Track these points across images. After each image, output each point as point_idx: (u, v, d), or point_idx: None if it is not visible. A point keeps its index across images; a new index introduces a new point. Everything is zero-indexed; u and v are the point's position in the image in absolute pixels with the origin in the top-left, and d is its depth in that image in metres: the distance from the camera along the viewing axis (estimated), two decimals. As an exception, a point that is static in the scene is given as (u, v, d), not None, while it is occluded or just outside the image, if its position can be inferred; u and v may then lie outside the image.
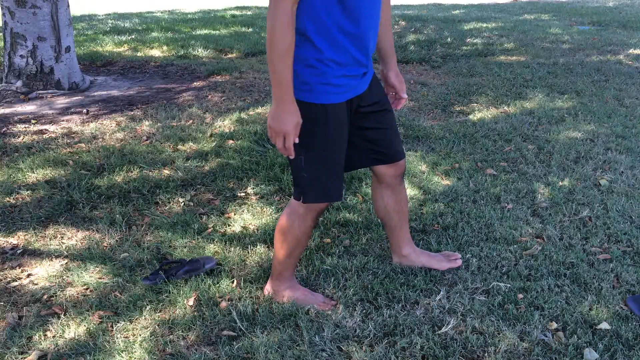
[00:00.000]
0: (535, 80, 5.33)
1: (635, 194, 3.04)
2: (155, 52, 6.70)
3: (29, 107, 4.69)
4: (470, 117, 4.33)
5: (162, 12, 10.85)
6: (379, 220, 2.32)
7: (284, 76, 1.71)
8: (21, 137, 3.94)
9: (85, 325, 2.08)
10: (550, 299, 2.17)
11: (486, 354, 1.91)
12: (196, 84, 5.41)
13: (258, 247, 2.57)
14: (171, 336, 2.02)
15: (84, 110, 4.59)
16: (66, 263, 2.49)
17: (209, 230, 2.75)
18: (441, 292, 2.21)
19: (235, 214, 2.90)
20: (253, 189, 3.16)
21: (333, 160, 1.92)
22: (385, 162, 2.13)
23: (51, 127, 4.18)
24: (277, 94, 1.73)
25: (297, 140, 1.79)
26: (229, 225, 2.79)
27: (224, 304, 2.18)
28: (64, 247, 2.62)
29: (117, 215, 2.87)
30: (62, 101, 4.87)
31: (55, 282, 2.36)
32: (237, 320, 2.07)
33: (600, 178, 3.23)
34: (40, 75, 5.03)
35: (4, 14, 4.94)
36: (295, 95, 1.78)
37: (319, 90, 1.81)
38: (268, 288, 2.24)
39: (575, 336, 1.97)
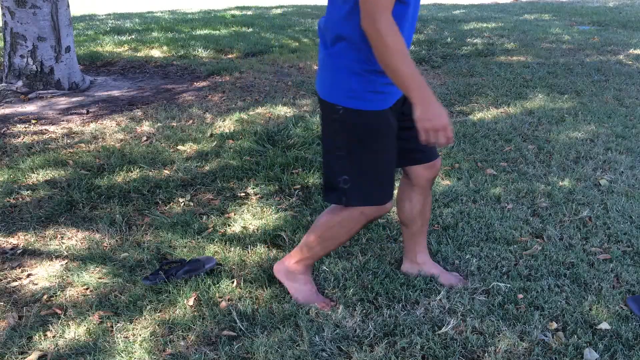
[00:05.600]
0: (535, 80, 5.33)
1: (635, 194, 3.04)
2: (156, 52, 6.70)
3: (29, 107, 4.69)
4: (470, 117, 4.33)
5: (162, 12, 10.85)
6: (401, 223, 2.28)
7: (416, 76, 1.63)
8: (21, 137, 3.94)
9: (85, 326, 2.08)
10: (550, 299, 2.17)
11: (486, 354, 1.90)
12: (196, 84, 5.41)
13: (258, 247, 2.57)
14: (171, 336, 2.02)
15: (84, 111, 4.59)
16: (66, 263, 2.49)
17: (209, 230, 2.75)
18: (441, 292, 2.20)
19: (235, 214, 2.90)
20: (253, 189, 3.16)
21: (382, 164, 1.92)
22: (423, 162, 2.12)
23: (51, 127, 4.18)
24: (419, 95, 1.64)
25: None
26: (229, 225, 2.79)
27: (224, 304, 2.18)
28: (64, 247, 2.62)
29: (117, 215, 2.87)
30: (62, 101, 4.87)
31: (55, 282, 2.36)
32: (237, 320, 2.07)
33: (600, 178, 3.23)
34: (40, 75, 5.03)
35: (4, 14, 4.94)
36: (342, 103, 1.80)
37: (367, 98, 1.80)
38: (284, 267, 2.21)
39: (575, 336, 1.97)
